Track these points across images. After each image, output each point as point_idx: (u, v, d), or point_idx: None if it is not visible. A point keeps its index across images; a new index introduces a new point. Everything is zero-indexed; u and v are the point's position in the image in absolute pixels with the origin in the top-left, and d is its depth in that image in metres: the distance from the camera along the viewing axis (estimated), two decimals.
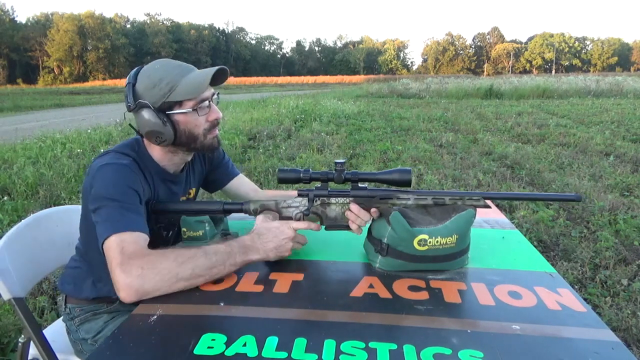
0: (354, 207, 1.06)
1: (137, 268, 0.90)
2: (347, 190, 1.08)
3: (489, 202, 1.09)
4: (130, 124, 1.15)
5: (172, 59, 1.17)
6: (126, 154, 1.09)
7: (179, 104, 1.07)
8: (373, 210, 1.06)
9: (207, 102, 1.10)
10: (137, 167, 1.08)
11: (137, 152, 1.12)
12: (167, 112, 1.06)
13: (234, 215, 1.19)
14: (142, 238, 0.98)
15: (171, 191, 1.19)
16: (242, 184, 1.41)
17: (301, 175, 1.06)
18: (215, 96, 1.14)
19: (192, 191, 1.31)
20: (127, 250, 0.93)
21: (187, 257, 0.94)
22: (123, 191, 1.00)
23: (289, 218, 1.10)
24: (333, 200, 1.08)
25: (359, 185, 1.08)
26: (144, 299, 0.90)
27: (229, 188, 1.40)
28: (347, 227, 1.09)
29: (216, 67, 1.08)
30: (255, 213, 1.12)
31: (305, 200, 1.09)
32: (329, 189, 1.09)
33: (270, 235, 1.03)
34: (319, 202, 1.09)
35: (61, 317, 1.33)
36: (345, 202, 1.08)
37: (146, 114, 1.06)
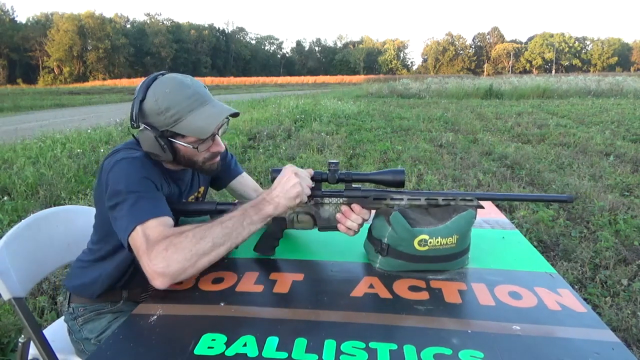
0: (344, 208, 1.07)
1: (162, 251, 0.91)
2: (341, 191, 1.08)
3: (485, 202, 1.09)
4: (133, 135, 1.15)
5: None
6: (137, 149, 1.09)
7: (182, 135, 1.06)
8: (345, 209, 1.07)
9: (210, 137, 1.09)
10: (149, 160, 1.08)
11: None
12: (168, 138, 1.06)
13: None
14: (165, 221, 0.98)
15: (179, 189, 1.19)
16: (244, 184, 1.40)
17: None
18: (224, 125, 1.13)
19: (202, 189, 1.31)
20: (152, 236, 0.94)
21: (204, 230, 0.94)
22: (139, 182, 1.01)
23: (282, 218, 1.10)
24: (326, 200, 1.09)
25: (353, 185, 1.08)
26: (175, 281, 0.91)
27: (232, 187, 1.39)
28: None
29: (227, 112, 1.07)
30: None
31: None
32: (322, 190, 1.09)
33: (276, 185, 1.02)
34: (312, 202, 1.09)
35: (62, 317, 1.33)
36: (338, 202, 1.08)
37: (148, 135, 1.05)
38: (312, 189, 1.08)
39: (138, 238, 0.94)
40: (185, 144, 1.06)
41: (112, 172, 1.02)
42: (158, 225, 0.95)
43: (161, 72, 1.10)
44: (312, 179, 1.07)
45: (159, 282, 0.91)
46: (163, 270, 0.90)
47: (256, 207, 1.00)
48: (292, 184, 1.00)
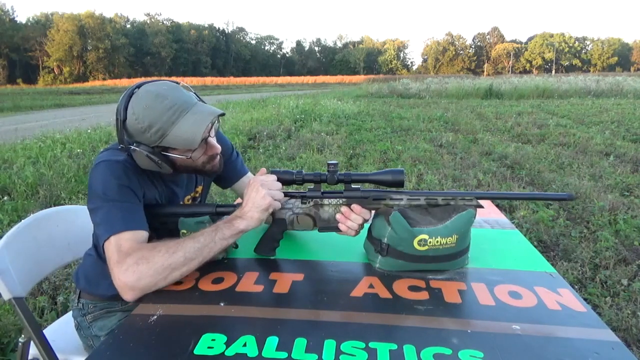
0: (344, 209, 1.07)
1: (133, 265, 0.92)
2: (340, 192, 1.08)
3: (484, 201, 1.09)
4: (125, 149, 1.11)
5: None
6: (122, 152, 1.07)
7: (173, 148, 1.04)
8: (345, 209, 1.06)
9: (202, 141, 1.06)
10: (134, 164, 1.05)
11: None
12: (162, 152, 1.03)
13: None
14: (140, 235, 0.99)
15: (172, 191, 1.17)
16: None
17: (294, 176, 1.05)
18: (215, 124, 1.10)
19: (200, 189, 1.29)
20: (124, 248, 0.94)
21: (177, 245, 0.96)
22: (117, 190, 1.00)
23: (282, 219, 1.10)
24: (326, 201, 1.08)
25: (352, 186, 1.07)
26: (144, 294, 0.92)
27: (237, 187, 1.38)
28: (339, 229, 1.09)
29: (210, 117, 1.03)
30: None
31: (298, 202, 1.09)
32: (322, 191, 1.09)
33: (246, 201, 1.03)
34: (312, 203, 1.09)
35: (63, 316, 1.33)
36: (338, 203, 1.08)
37: (140, 154, 1.02)
38: (312, 190, 1.08)
39: (110, 248, 0.95)
40: (179, 155, 1.05)
41: (93, 174, 1.02)
42: (131, 238, 0.96)
43: (137, 83, 1.06)
44: (311, 181, 1.06)
45: (129, 296, 0.92)
46: (134, 284, 0.91)
47: (229, 223, 1.01)
48: (261, 196, 1.01)
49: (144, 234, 1.00)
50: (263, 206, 1.01)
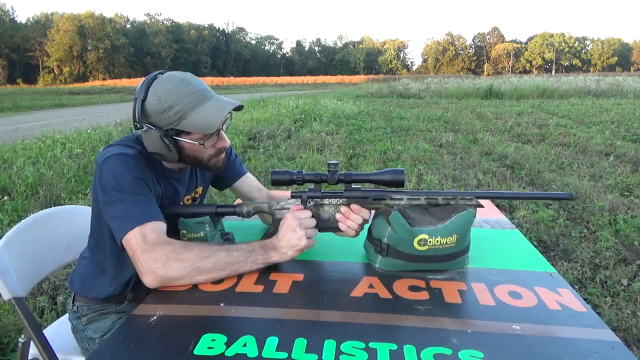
0: (343, 209, 1.07)
1: (163, 256, 0.93)
2: (341, 192, 1.08)
3: (484, 201, 1.09)
4: (131, 130, 1.14)
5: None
6: (131, 146, 1.08)
7: (187, 133, 1.06)
8: (345, 209, 1.06)
9: (216, 132, 1.08)
10: (143, 158, 1.07)
11: (142, 145, 1.11)
12: (173, 137, 1.05)
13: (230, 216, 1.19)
14: (161, 226, 1.00)
15: (175, 189, 1.18)
16: (248, 184, 1.39)
17: (294, 177, 1.06)
18: (227, 121, 1.12)
19: (200, 189, 1.30)
20: (150, 238, 0.96)
21: (210, 251, 0.97)
22: (132, 182, 1.01)
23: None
24: (326, 201, 1.08)
25: (352, 186, 1.08)
26: (165, 285, 0.95)
27: (236, 187, 1.38)
28: (339, 229, 1.09)
29: (231, 105, 1.06)
30: (249, 215, 1.13)
31: (298, 202, 1.09)
32: (322, 191, 1.09)
33: (282, 233, 1.03)
34: (312, 203, 1.09)
35: (63, 316, 1.33)
36: (338, 203, 1.08)
37: (152, 135, 1.04)
38: (312, 190, 1.08)
39: (134, 238, 0.96)
40: (191, 141, 1.06)
41: (104, 168, 1.02)
42: (154, 229, 0.98)
43: (160, 71, 1.09)
44: (312, 181, 1.06)
45: (150, 281, 0.94)
46: (160, 273, 0.93)
47: (264, 250, 1.02)
48: (298, 237, 1.01)
49: (164, 225, 1.01)
50: (299, 247, 1.02)
